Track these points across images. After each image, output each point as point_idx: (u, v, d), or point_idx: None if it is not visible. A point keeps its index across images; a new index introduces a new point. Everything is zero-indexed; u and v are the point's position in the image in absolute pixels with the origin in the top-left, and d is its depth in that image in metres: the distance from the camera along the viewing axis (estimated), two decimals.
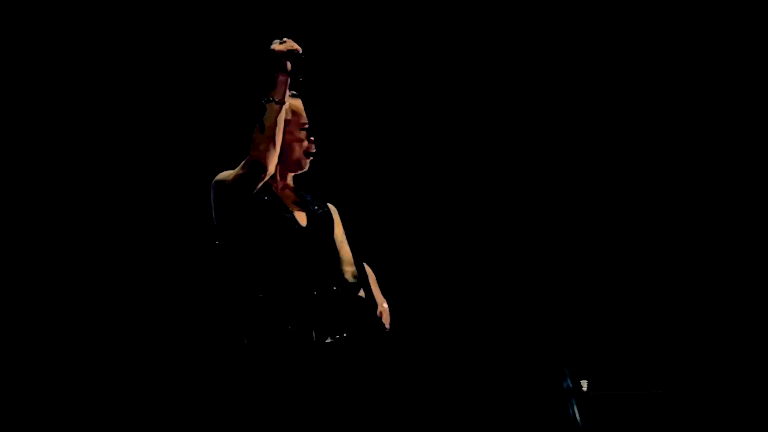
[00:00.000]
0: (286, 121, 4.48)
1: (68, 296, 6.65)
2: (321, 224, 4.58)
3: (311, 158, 4.58)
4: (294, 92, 4.58)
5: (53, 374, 6.61)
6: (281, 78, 4.36)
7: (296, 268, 4.41)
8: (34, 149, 6.68)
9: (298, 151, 4.55)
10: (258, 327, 4.37)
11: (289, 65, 4.35)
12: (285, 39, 4.38)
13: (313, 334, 4.35)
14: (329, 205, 4.71)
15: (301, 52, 4.37)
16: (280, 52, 4.35)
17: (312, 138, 4.56)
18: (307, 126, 4.56)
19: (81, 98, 6.73)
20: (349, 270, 4.57)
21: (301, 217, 4.53)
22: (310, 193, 4.69)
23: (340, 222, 4.68)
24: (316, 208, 4.61)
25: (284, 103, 4.35)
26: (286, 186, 4.59)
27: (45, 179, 6.69)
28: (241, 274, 4.41)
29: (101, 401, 6.60)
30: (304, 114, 4.57)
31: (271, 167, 4.36)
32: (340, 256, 4.60)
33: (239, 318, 4.41)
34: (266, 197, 4.48)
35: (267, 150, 4.33)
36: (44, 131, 6.69)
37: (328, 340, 4.37)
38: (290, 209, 4.51)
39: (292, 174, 4.61)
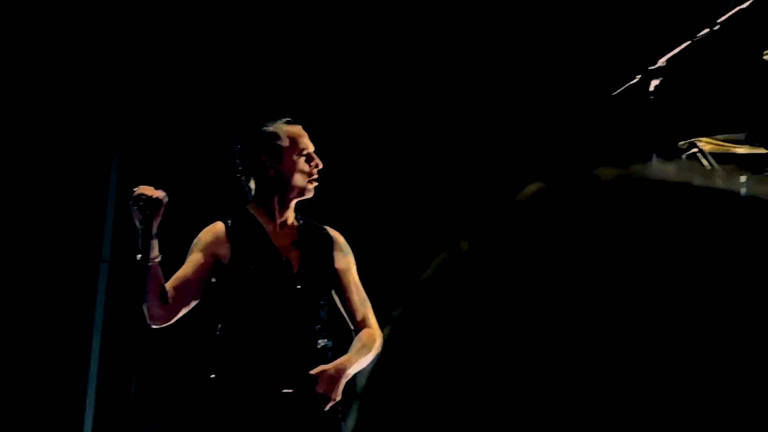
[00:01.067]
0: (284, 149, 4.45)
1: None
2: (315, 266, 4.53)
3: (315, 184, 4.50)
4: (289, 119, 4.54)
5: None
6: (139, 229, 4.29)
7: (279, 320, 4.42)
8: None
9: (299, 179, 4.48)
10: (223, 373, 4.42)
11: (139, 215, 4.22)
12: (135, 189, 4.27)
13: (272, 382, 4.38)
14: (331, 232, 4.64)
15: (148, 195, 4.21)
16: (131, 204, 4.26)
17: (315, 163, 4.50)
18: (307, 152, 4.50)
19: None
20: (351, 319, 4.55)
21: (295, 259, 4.51)
22: (313, 217, 4.66)
23: (344, 250, 4.62)
24: (315, 239, 4.55)
25: (148, 260, 4.27)
26: (284, 218, 4.54)
27: None
28: (224, 321, 4.45)
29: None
30: (302, 140, 4.52)
31: (158, 321, 4.38)
32: (343, 294, 4.57)
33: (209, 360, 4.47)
34: (258, 243, 4.48)
35: (147, 309, 4.35)
36: None
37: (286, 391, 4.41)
38: (283, 254, 4.49)
39: (296, 200, 4.53)
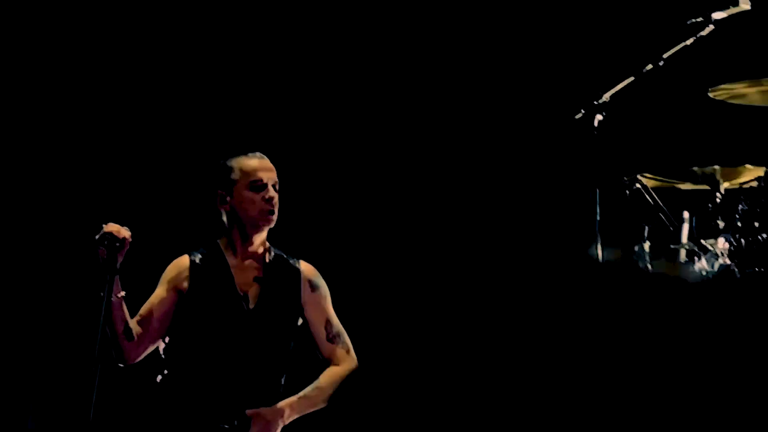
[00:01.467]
0: (234, 182, 4.45)
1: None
2: (275, 301, 4.52)
3: (273, 215, 4.45)
4: (257, 153, 4.53)
5: None
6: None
7: (226, 358, 4.42)
8: None
9: (250, 212, 4.45)
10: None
11: (105, 252, 4.27)
12: (104, 225, 4.29)
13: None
14: (302, 266, 4.61)
15: (114, 233, 4.26)
16: (96, 241, 4.29)
17: (269, 195, 4.46)
18: (260, 184, 4.46)
19: None
20: (319, 354, 4.53)
21: (254, 294, 4.50)
22: (284, 249, 4.63)
23: (313, 284, 4.59)
24: (281, 273, 4.53)
25: (110, 297, 4.30)
26: (249, 252, 4.52)
27: None
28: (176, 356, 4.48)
29: None
30: (256, 172, 4.49)
31: (124, 358, 4.41)
32: (310, 329, 4.54)
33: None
34: (218, 277, 4.49)
35: (113, 346, 4.37)
36: None
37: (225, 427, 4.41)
38: (242, 289, 4.49)
39: (258, 233, 4.50)
